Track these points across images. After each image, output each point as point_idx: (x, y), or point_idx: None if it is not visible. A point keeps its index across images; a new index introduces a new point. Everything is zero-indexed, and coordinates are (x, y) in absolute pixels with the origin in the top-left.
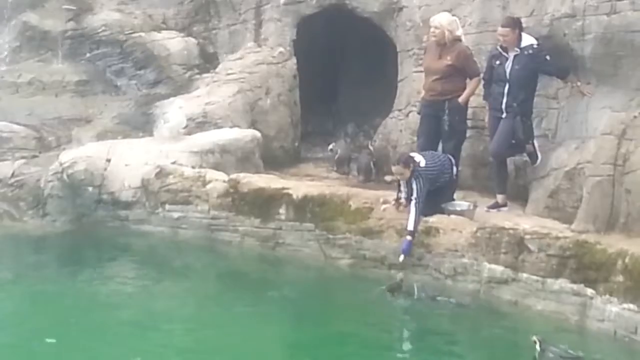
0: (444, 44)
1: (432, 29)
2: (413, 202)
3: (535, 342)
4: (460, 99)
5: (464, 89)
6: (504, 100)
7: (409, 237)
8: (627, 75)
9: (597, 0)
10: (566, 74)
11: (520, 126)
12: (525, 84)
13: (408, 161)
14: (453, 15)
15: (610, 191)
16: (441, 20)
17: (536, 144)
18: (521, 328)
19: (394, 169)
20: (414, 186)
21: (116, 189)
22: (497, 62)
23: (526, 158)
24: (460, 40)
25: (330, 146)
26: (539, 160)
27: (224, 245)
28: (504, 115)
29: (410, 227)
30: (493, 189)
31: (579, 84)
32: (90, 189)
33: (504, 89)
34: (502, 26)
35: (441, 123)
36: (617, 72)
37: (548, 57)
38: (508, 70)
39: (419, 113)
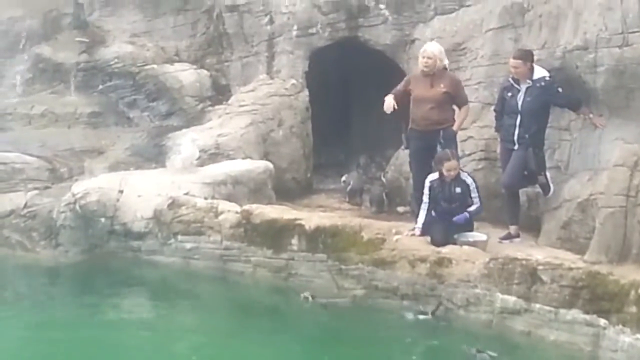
0: (432, 74)
1: (424, 59)
2: (477, 198)
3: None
4: (455, 127)
5: (453, 118)
6: (516, 132)
7: (466, 214)
8: (639, 107)
9: (610, 32)
10: (578, 106)
11: (533, 157)
12: (537, 115)
13: (458, 156)
14: (464, 47)
15: (623, 222)
16: (434, 50)
17: (548, 175)
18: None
19: (448, 164)
20: (469, 181)
21: (128, 220)
22: (509, 94)
23: (538, 189)
24: (446, 68)
25: (343, 178)
26: (551, 192)
27: (236, 276)
28: (515, 147)
29: (472, 209)
30: (505, 220)
31: (591, 115)
32: (102, 219)
33: (515, 120)
34: (514, 58)
35: (433, 154)
36: (630, 104)
37: (560, 90)
38: (520, 102)
39: (406, 148)
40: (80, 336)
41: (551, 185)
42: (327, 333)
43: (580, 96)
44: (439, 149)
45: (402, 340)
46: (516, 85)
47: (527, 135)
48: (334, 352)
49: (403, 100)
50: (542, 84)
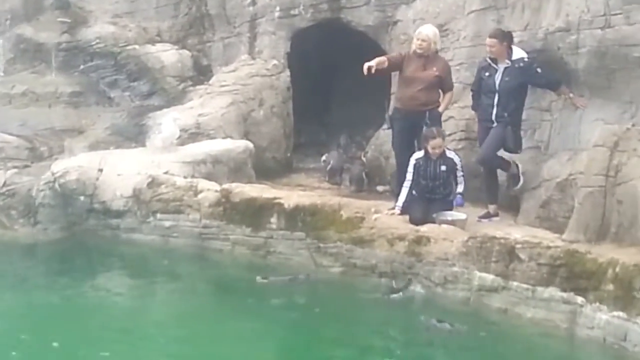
0: (427, 56)
1: (419, 41)
2: (461, 177)
3: None
4: (440, 109)
5: (439, 100)
6: (494, 112)
7: (460, 197)
8: (620, 88)
9: (592, 14)
10: (558, 86)
11: (511, 135)
12: (515, 95)
13: (444, 134)
14: (446, 28)
15: (602, 202)
16: (429, 32)
17: (520, 167)
18: (511, 335)
19: (434, 142)
20: (456, 159)
21: (108, 198)
22: (487, 74)
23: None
24: (437, 52)
25: (323, 157)
26: (520, 184)
27: (214, 254)
28: (494, 125)
29: (461, 190)
30: (484, 200)
31: (571, 95)
32: (81, 198)
33: (493, 100)
34: (490, 37)
35: (418, 134)
36: (611, 85)
37: (539, 70)
38: (498, 82)
39: (390, 127)
40: (58, 313)
41: (521, 177)
42: (302, 311)
43: (559, 77)
44: (425, 129)
45: (372, 317)
46: (494, 65)
47: (505, 114)
48: (306, 329)
49: (386, 70)
50: (521, 64)
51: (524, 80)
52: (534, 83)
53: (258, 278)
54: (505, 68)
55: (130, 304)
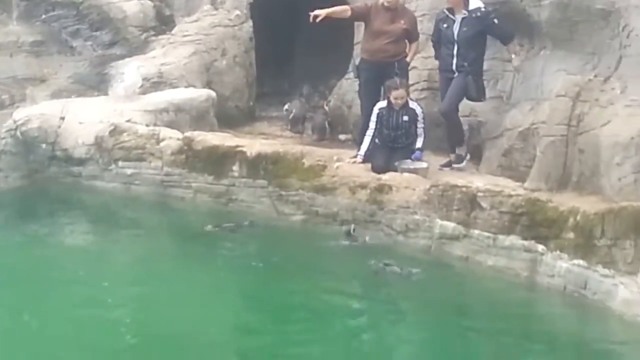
0: (394, 9)
1: None
2: (422, 129)
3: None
4: (408, 59)
5: (406, 50)
6: (454, 62)
7: (419, 152)
8: (583, 40)
9: None
10: (510, 40)
11: (473, 84)
12: (473, 44)
13: (407, 85)
14: None
15: (564, 151)
16: None
17: (464, 151)
18: (471, 283)
19: (396, 93)
20: (418, 110)
21: (69, 146)
22: (445, 25)
23: (480, 118)
24: (404, 4)
25: (286, 106)
26: (463, 164)
27: (176, 202)
28: (455, 76)
29: (419, 145)
30: (446, 148)
31: (513, 56)
32: (43, 145)
33: (453, 50)
34: None
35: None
36: (573, 36)
37: (496, 21)
38: (456, 32)
39: (357, 77)
40: (19, 261)
41: (466, 159)
42: (256, 258)
43: (513, 31)
44: (388, 80)
45: (325, 263)
46: (451, 16)
47: (465, 64)
48: (258, 276)
49: (349, 19)
50: (478, 14)
51: (481, 29)
52: (490, 33)
53: (208, 227)
54: (463, 18)
55: (88, 251)
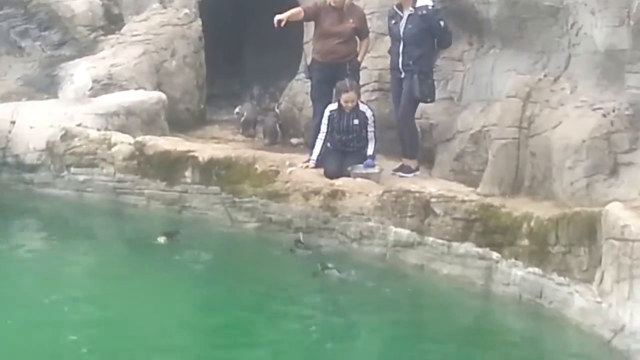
0: (341, 8)
1: None
2: (372, 133)
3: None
4: (359, 58)
5: (357, 49)
6: (400, 60)
7: (370, 160)
8: (532, 38)
9: None
10: (445, 47)
11: (417, 84)
12: (419, 42)
13: (358, 88)
14: None
15: (516, 154)
16: None
17: (416, 164)
18: (426, 292)
19: (346, 96)
20: (368, 113)
21: (21, 152)
22: (393, 22)
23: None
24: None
25: (237, 109)
26: (409, 176)
27: (129, 209)
28: (402, 75)
29: (371, 152)
30: (399, 152)
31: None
32: None
33: (399, 48)
34: None
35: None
36: (522, 34)
37: (442, 23)
38: (402, 30)
39: (308, 78)
40: None
41: (415, 172)
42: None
43: (450, 42)
44: (338, 82)
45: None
46: (399, 13)
47: (410, 62)
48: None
49: (301, 21)
50: (424, 12)
51: (426, 28)
52: (432, 33)
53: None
54: (409, 15)
55: (39, 259)
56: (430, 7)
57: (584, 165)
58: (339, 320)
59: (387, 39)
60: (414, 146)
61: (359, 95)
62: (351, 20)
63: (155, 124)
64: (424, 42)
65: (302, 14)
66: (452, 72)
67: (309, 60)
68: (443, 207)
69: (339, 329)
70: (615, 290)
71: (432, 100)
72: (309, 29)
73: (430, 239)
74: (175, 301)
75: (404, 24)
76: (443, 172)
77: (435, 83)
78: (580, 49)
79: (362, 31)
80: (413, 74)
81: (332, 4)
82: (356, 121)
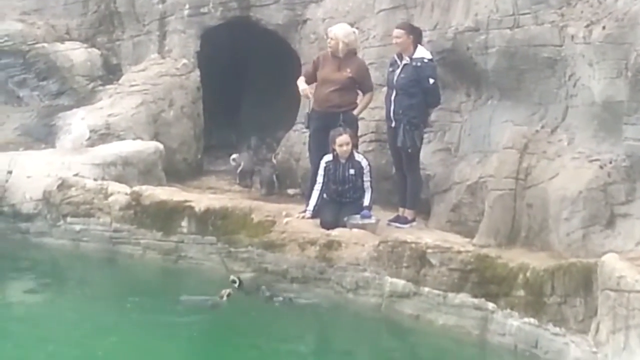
0: (341, 57)
1: (328, 39)
2: (368, 182)
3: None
4: (355, 112)
5: (356, 102)
6: (392, 108)
7: (367, 211)
8: (530, 89)
9: (501, 14)
10: (433, 106)
11: (401, 134)
12: (408, 93)
13: (352, 133)
14: (356, 27)
15: (512, 205)
16: (337, 31)
17: (413, 215)
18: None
19: (341, 139)
20: (364, 163)
21: (17, 201)
22: (391, 69)
23: (428, 172)
24: (356, 53)
25: (233, 156)
26: (405, 226)
27: (125, 259)
28: (393, 125)
29: (367, 202)
30: (395, 203)
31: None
32: None
33: (391, 96)
34: (397, 27)
35: None
36: (520, 86)
37: (431, 80)
38: (395, 78)
39: (307, 127)
40: None
41: (412, 223)
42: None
43: (439, 100)
44: (331, 131)
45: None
46: (398, 61)
47: (400, 111)
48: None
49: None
50: (418, 64)
51: (416, 79)
52: (421, 87)
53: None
54: (405, 65)
55: (37, 308)
56: (426, 60)
57: (581, 217)
58: None
59: (385, 89)
60: (415, 195)
61: (354, 144)
62: (348, 70)
63: (152, 174)
64: (414, 94)
65: (304, 79)
66: (450, 123)
67: (309, 109)
68: (439, 258)
69: None
70: (611, 340)
71: (413, 151)
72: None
73: (426, 289)
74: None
75: (398, 73)
76: (439, 223)
77: (432, 134)
78: (578, 101)
79: (361, 83)
80: (401, 123)
81: (329, 49)
82: (352, 171)
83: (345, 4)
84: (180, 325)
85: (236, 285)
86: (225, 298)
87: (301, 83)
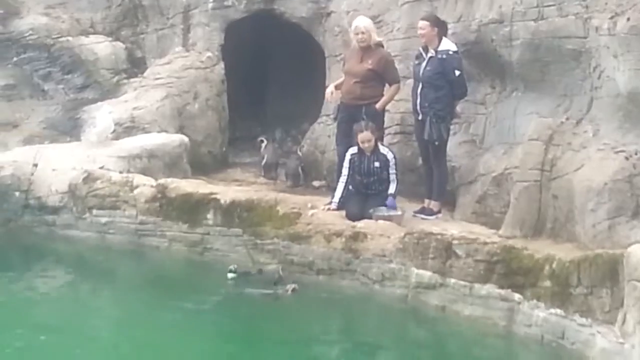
0: (367, 48)
1: (358, 35)
2: (394, 175)
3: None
4: (377, 105)
5: (382, 95)
6: (418, 101)
7: (391, 198)
8: (554, 81)
9: (525, 6)
10: (460, 98)
11: (429, 126)
12: (434, 85)
13: (374, 128)
14: (380, 20)
15: (538, 197)
16: (366, 24)
17: (439, 206)
18: (448, 334)
19: (362, 136)
20: (389, 156)
21: (43, 194)
22: (417, 62)
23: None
24: (381, 45)
25: (261, 138)
26: (431, 218)
27: (151, 251)
28: (420, 117)
29: (392, 191)
30: (421, 195)
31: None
32: (17, 194)
33: (418, 89)
34: (422, 19)
35: None
36: (544, 77)
37: (457, 72)
38: (421, 71)
39: (335, 119)
40: None
41: (437, 214)
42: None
43: (464, 94)
44: (355, 124)
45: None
46: (423, 54)
47: (426, 104)
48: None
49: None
50: (444, 56)
51: (442, 72)
52: (447, 79)
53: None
54: (430, 57)
55: (64, 300)
56: (451, 52)
57: (606, 208)
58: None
59: (410, 82)
60: (442, 187)
61: (378, 137)
62: (370, 61)
63: (178, 166)
64: (440, 86)
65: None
66: (475, 115)
67: (334, 105)
68: (465, 249)
69: None
70: (637, 331)
71: (439, 143)
72: (331, 72)
73: (452, 280)
74: (202, 345)
75: (424, 66)
76: (465, 215)
77: (457, 126)
78: (603, 92)
79: (383, 75)
80: (427, 115)
81: (360, 44)
82: (377, 164)
83: None
84: (206, 316)
85: (234, 275)
86: (290, 292)
87: (331, 84)
